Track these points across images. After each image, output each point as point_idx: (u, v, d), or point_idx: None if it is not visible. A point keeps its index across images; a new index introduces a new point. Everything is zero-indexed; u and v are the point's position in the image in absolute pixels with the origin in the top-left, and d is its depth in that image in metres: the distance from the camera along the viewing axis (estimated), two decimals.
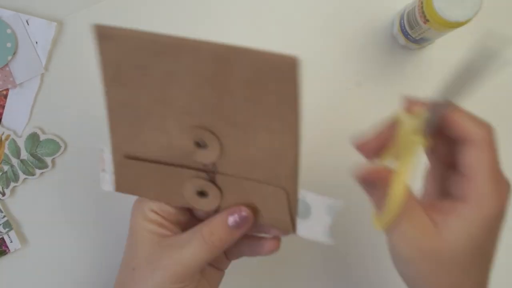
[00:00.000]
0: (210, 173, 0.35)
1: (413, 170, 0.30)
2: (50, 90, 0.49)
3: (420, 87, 0.50)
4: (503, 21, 0.50)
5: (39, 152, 0.48)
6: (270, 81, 0.29)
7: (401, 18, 0.47)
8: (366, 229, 0.49)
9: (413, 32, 0.45)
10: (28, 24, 0.48)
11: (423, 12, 0.42)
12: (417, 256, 0.30)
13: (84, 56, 0.49)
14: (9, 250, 0.48)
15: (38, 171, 0.49)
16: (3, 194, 0.49)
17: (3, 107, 0.49)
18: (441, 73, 0.50)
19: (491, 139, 0.31)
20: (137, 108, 0.33)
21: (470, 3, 0.40)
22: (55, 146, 0.49)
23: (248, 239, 0.38)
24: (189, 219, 0.38)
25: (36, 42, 0.48)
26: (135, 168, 0.35)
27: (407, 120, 0.31)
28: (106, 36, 0.31)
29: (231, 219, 0.35)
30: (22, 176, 0.49)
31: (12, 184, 0.49)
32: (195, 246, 0.34)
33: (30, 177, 0.49)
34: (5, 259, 0.49)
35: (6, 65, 0.48)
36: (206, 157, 0.34)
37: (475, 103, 0.50)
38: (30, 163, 0.49)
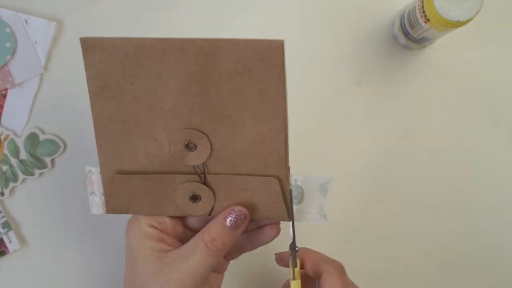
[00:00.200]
0: (201, 175, 0.35)
1: None
2: (49, 90, 0.49)
3: (421, 87, 0.50)
4: (504, 21, 0.50)
5: (39, 152, 0.48)
6: (255, 68, 0.30)
7: (402, 17, 0.47)
8: (368, 229, 0.49)
9: (414, 31, 0.45)
10: (27, 23, 0.48)
11: (423, 12, 0.42)
12: None
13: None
14: (8, 251, 0.48)
15: (37, 171, 0.49)
16: (2, 194, 0.48)
17: (2, 107, 0.48)
18: (442, 73, 0.50)
19: (342, 270, 0.37)
20: (125, 119, 0.33)
21: (471, 2, 0.39)
22: (54, 146, 0.48)
23: (246, 234, 0.38)
24: (184, 230, 0.38)
25: (36, 42, 0.48)
26: (125, 184, 0.35)
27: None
28: (91, 48, 0.31)
29: (229, 220, 0.35)
30: (21, 176, 0.48)
31: (11, 184, 0.48)
32: (200, 255, 0.34)
33: (29, 177, 0.49)
34: (4, 259, 0.49)
35: (5, 64, 0.48)
36: (197, 158, 0.34)
37: (476, 103, 0.50)
38: (29, 163, 0.48)
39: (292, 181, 0.35)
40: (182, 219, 0.38)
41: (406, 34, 0.47)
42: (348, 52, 0.50)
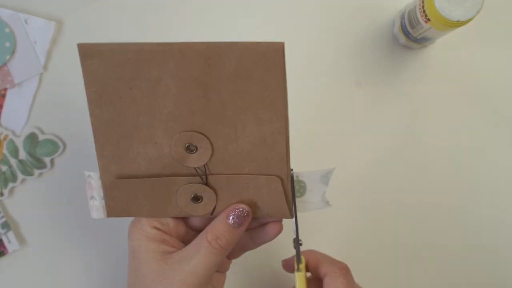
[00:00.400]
0: (203, 176, 0.35)
1: None
2: (49, 90, 0.49)
3: (421, 87, 0.49)
4: (504, 21, 0.50)
5: (38, 152, 0.48)
6: (255, 70, 0.30)
7: (402, 17, 0.47)
8: (368, 229, 0.49)
9: (414, 31, 0.45)
10: (27, 23, 0.48)
11: (424, 11, 0.42)
12: None
13: None
14: (7, 251, 0.48)
15: (36, 171, 0.48)
16: (2, 195, 0.48)
17: (2, 106, 0.48)
18: (442, 72, 0.50)
19: (347, 270, 0.37)
20: (124, 124, 0.33)
21: (472, 2, 0.39)
22: (53, 146, 0.48)
23: (249, 232, 0.38)
24: (186, 230, 0.38)
25: (35, 42, 0.48)
26: (126, 188, 0.35)
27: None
28: (89, 54, 0.31)
29: (231, 218, 0.35)
30: (20, 176, 0.48)
31: (11, 185, 0.48)
32: (204, 254, 0.34)
33: (28, 177, 0.48)
34: (4, 259, 0.49)
35: (5, 64, 0.48)
36: (198, 160, 0.34)
37: (476, 103, 0.50)
38: (28, 163, 0.48)
39: (294, 177, 0.35)
40: (184, 219, 0.38)
41: (406, 34, 0.47)
42: (348, 52, 0.50)
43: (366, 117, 0.49)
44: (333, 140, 0.49)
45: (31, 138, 0.48)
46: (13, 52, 0.48)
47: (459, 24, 0.40)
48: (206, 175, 0.34)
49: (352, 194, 0.49)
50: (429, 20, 0.41)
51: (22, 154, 0.48)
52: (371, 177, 0.49)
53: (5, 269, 0.49)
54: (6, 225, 0.48)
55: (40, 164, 0.48)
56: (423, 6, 0.42)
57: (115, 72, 0.31)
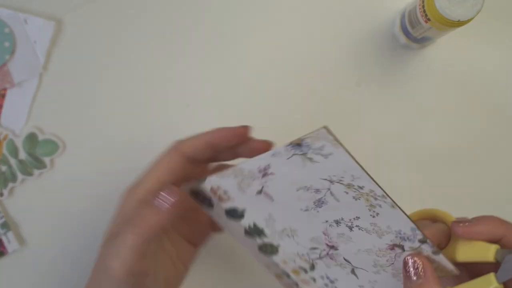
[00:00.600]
0: None
1: None
2: (48, 90, 0.49)
3: (421, 87, 0.50)
4: (504, 21, 0.50)
5: (38, 152, 0.48)
6: None
7: (402, 17, 0.47)
8: None
9: (414, 31, 0.45)
10: (26, 23, 0.48)
11: (424, 11, 0.42)
12: None
13: (83, 55, 0.48)
14: (7, 251, 0.48)
15: (36, 172, 0.48)
16: (1, 195, 0.48)
17: (1, 106, 0.48)
18: (442, 72, 0.50)
19: None
20: None
21: (472, 2, 0.39)
22: (53, 146, 0.48)
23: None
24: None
25: (35, 41, 0.48)
26: None
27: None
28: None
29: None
30: (20, 176, 0.48)
31: (10, 185, 0.48)
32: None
33: (28, 177, 0.48)
34: (3, 260, 0.48)
35: (4, 64, 0.48)
36: None
37: (476, 103, 0.50)
38: (28, 163, 0.48)
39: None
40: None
41: (406, 33, 0.47)
42: (348, 52, 0.49)
43: (366, 117, 0.49)
44: None
45: (31, 138, 0.48)
46: (12, 52, 0.48)
47: (459, 24, 0.40)
48: None
49: None
50: (429, 20, 0.41)
51: (22, 154, 0.48)
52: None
53: (5, 269, 0.49)
54: (6, 225, 0.48)
55: (40, 164, 0.48)
56: (423, 6, 0.42)
57: None
